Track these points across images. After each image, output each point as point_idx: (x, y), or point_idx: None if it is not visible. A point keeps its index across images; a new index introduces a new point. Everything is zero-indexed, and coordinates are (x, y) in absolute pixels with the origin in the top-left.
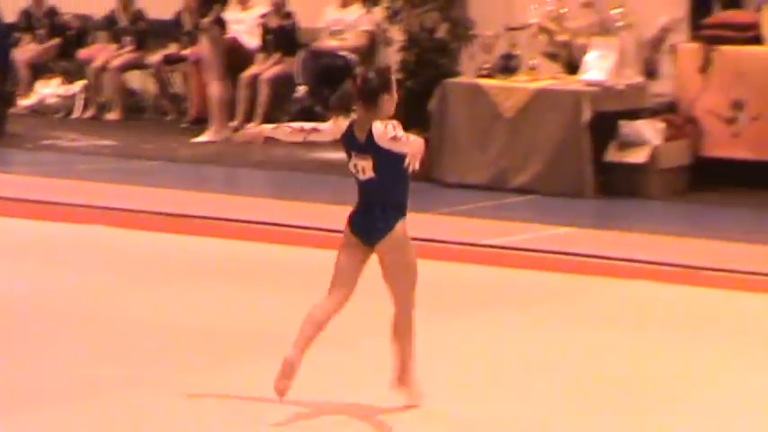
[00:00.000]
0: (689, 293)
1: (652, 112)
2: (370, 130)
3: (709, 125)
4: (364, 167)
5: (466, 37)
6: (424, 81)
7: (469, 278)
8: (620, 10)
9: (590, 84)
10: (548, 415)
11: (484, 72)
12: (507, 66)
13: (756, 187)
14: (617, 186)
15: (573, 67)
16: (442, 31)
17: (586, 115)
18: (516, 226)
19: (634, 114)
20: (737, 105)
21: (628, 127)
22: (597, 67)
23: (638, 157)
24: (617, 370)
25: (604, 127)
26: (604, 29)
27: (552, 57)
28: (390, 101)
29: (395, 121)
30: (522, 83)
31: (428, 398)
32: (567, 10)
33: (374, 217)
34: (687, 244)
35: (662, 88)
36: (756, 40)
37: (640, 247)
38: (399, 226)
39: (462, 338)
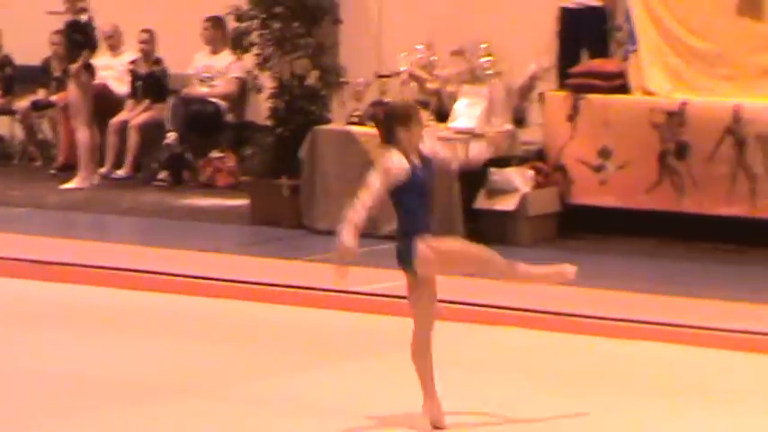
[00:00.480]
0: (559, 341)
1: (521, 160)
2: None
3: (577, 173)
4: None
5: (336, 84)
6: (294, 128)
7: (340, 325)
8: (489, 58)
9: (459, 131)
10: None
11: (354, 119)
12: (377, 113)
13: (623, 234)
14: (486, 233)
15: (443, 115)
16: (312, 78)
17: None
18: (386, 273)
19: (503, 162)
20: (605, 153)
21: (497, 174)
22: (467, 114)
23: (507, 204)
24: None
25: (474, 174)
26: (474, 77)
27: (422, 104)
28: (406, 133)
29: (390, 161)
30: None
31: None
32: (436, 58)
33: (402, 240)
34: (556, 291)
35: (531, 136)
36: (623, 89)
37: (509, 295)
38: (422, 248)
39: (326, 389)
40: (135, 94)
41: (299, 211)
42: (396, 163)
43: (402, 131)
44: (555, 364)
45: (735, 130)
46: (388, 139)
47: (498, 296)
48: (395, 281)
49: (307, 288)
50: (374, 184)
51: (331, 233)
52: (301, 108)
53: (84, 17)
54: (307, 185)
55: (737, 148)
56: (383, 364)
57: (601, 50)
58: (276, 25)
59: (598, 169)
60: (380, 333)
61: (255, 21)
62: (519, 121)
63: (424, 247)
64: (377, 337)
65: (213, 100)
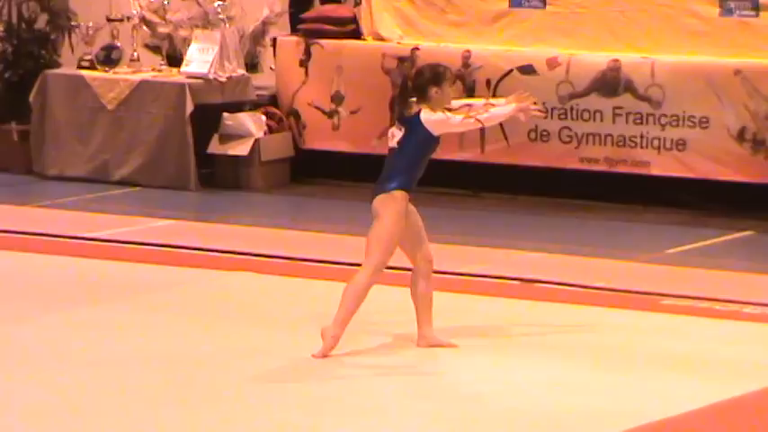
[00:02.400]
0: (287, 284)
1: (254, 105)
2: (419, 112)
3: (310, 118)
4: (394, 134)
5: (66, 28)
6: (23, 72)
7: (71, 272)
8: (221, 3)
9: (192, 76)
10: (141, 406)
11: (85, 63)
12: (109, 57)
13: (355, 179)
14: (220, 179)
15: (175, 60)
16: (41, 22)
17: (189, 107)
18: (119, 219)
19: (236, 107)
20: (337, 99)
21: (230, 119)
22: (199, 59)
23: (240, 149)
24: (213, 361)
25: (207, 119)
26: (206, 21)
27: (154, 49)
28: (440, 93)
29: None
30: (124, 74)
31: None
32: (168, 2)
33: (382, 179)
34: (287, 236)
35: (264, 81)
36: (355, 35)
37: (243, 239)
38: (398, 193)
39: (67, 333)
40: None
41: (29, 157)
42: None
43: (434, 90)
44: (286, 308)
45: (464, 75)
46: (421, 97)
47: (228, 241)
48: (128, 226)
49: (36, 234)
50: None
51: (62, 179)
52: (30, 52)
53: None
54: (37, 131)
55: (467, 94)
56: (111, 311)
57: None
58: None
59: (331, 114)
60: (110, 279)
61: None
62: (252, 66)
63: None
64: (107, 283)
65: None
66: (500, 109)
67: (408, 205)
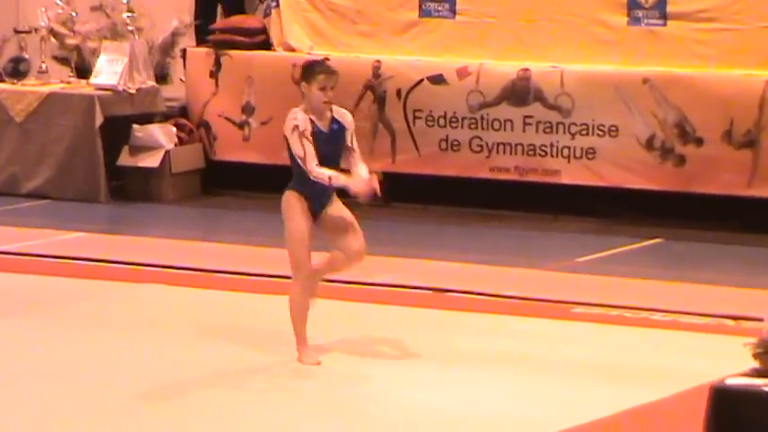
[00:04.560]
0: (198, 296)
1: (164, 117)
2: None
3: (220, 129)
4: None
5: None
6: None
7: None
8: (130, 14)
9: (101, 88)
10: (51, 421)
11: None
12: (17, 69)
13: (267, 191)
14: (130, 191)
15: (84, 71)
16: None
17: (98, 119)
18: (29, 231)
19: (147, 118)
20: (248, 110)
21: (140, 131)
22: (108, 71)
23: (150, 161)
24: (126, 373)
25: (117, 131)
26: (115, 33)
27: (63, 60)
28: (307, 89)
29: (300, 120)
30: (33, 86)
31: None
32: (77, 14)
33: None
34: (199, 247)
35: (174, 92)
36: (265, 45)
37: (153, 251)
38: (284, 195)
39: None
40: None
41: None
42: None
43: (303, 85)
44: (197, 320)
45: (375, 86)
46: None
47: (139, 253)
48: (38, 239)
49: None
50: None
51: None
52: None
53: None
54: None
55: (378, 104)
56: (20, 324)
57: (237, 6)
58: None
59: (241, 125)
60: (19, 292)
61: None
62: (162, 77)
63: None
64: (16, 296)
65: None
66: (328, 174)
67: (336, 203)
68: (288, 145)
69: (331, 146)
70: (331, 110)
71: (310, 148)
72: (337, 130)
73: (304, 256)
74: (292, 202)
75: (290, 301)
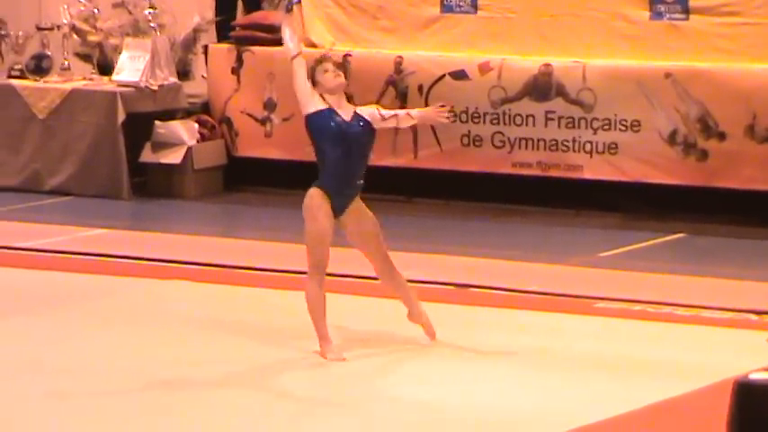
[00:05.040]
0: (221, 292)
1: (186, 113)
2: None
3: (242, 125)
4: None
5: None
6: None
7: (4, 282)
8: (152, 11)
9: (123, 84)
10: (79, 416)
11: (15, 72)
12: (39, 66)
13: (288, 186)
14: (152, 187)
15: (106, 68)
16: None
17: (121, 116)
18: (52, 228)
19: (169, 115)
20: (270, 106)
21: (162, 128)
22: (130, 67)
23: (173, 157)
24: (156, 369)
25: (139, 128)
26: (137, 29)
27: (85, 57)
28: (316, 81)
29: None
30: (55, 83)
31: None
32: (99, 10)
33: None
34: (221, 243)
35: (196, 89)
36: None
37: (176, 248)
38: (309, 192)
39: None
40: None
41: None
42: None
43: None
44: (220, 315)
45: (396, 82)
46: None
47: (162, 249)
48: (61, 236)
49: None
50: None
51: None
52: None
53: None
54: None
55: (400, 99)
56: (45, 321)
57: (257, 3)
58: None
59: (263, 122)
60: (42, 289)
61: None
62: (183, 74)
63: None
64: (40, 292)
65: None
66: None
67: (360, 206)
68: (312, 141)
69: (358, 140)
70: (354, 107)
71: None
72: (363, 125)
73: (325, 257)
74: (317, 202)
75: (307, 299)
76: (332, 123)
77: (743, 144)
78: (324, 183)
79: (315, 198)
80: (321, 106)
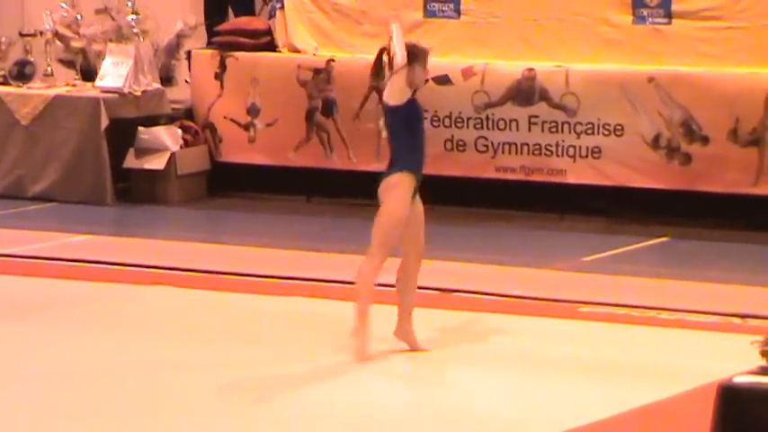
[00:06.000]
0: (204, 298)
1: (170, 119)
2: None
3: (226, 131)
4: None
5: None
6: None
7: None
8: (135, 17)
9: (107, 90)
10: (61, 423)
11: None
12: (22, 72)
13: (272, 192)
14: (136, 193)
15: (89, 74)
16: None
17: (104, 122)
18: (35, 234)
19: (152, 121)
20: (253, 111)
21: (146, 134)
22: (114, 73)
23: (156, 163)
24: (134, 375)
25: (122, 134)
26: (120, 35)
27: (68, 63)
28: (411, 72)
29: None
30: (38, 90)
31: None
32: (81, 16)
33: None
34: (205, 249)
35: (179, 95)
36: (270, 47)
37: (160, 254)
38: (394, 177)
39: None
40: None
41: None
42: None
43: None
44: (204, 321)
45: (380, 87)
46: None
47: (145, 255)
48: (45, 242)
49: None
50: None
51: None
52: None
53: None
54: None
55: (383, 105)
56: (29, 327)
57: (246, 8)
58: None
59: (247, 127)
60: (26, 295)
61: None
62: (167, 79)
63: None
64: (24, 299)
65: None
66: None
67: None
68: (388, 126)
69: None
70: None
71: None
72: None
73: (394, 239)
74: (407, 186)
75: (361, 277)
76: (418, 110)
77: (726, 148)
78: (409, 167)
79: (405, 181)
80: (409, 96)
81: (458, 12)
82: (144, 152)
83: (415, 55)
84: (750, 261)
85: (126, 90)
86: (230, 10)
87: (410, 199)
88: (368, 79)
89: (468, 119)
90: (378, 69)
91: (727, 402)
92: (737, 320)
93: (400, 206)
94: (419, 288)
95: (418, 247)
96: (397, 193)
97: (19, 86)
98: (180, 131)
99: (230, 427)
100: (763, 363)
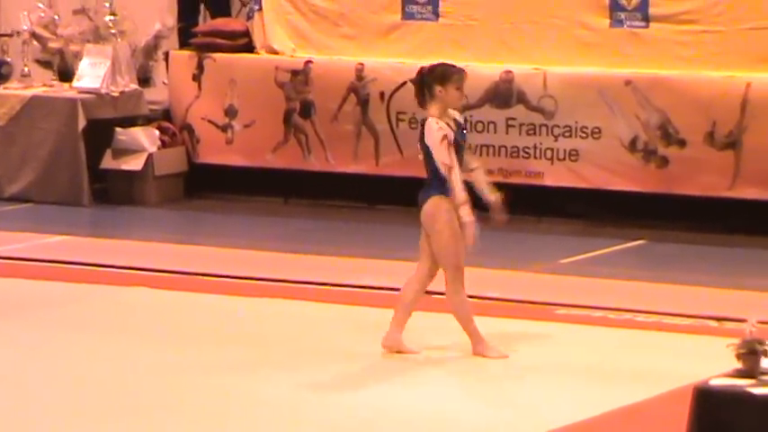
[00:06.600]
0: (181, 299)
1: (147, 120)
2: (424, 122)
3: (203, 132)
4: (419, 150)
5: None
6: None
7: None
8: (113, 17)
9: (84, 91)
10: (38, 425)
11: None
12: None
13: (249, 193)
14: (113, 194)
15: (67, 75)
16: None
17: (81, 123)
18: (12, 235)
19: (129, 122)
20: (231, 112)
21: (123, 134)
22: (91, 74)
23: (133, 164)
24: (110, 376)
25: (99, 134)
26: (98, 36)
27: (45, 64)
28: (443, 93)
29: (445, 128)
30: (15, 90)
31: None
32: (59, 17)
33: (421, 191)
34: (182, 250)
35: (157, 96)
36: (248, 48)
37: (137, 255)
38: (432, 201)
39: None
40: None
41: None
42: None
43: (438, 89)
44: (181, 323)
45: (358, 89)
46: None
47: (122, 256)
48: (21, 243)
49: None
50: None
51: None
52: None
53: None
54: None
55: (361, 107)
56: (5, 328)
57: (222, 9)
58: None
59: (224, 128)
60: (3, 296)
61: None
62: (144, 80)
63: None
64: (2, 299)
65: None
66: (460, 191)
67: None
68: (425, 152)
69: (460, 146)
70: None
71: (455, 159)
72: (461, 130)
73: (458, 264)
74: (447, 208)
75: (456, 306)
76: (457, 140)
77: (703, 151)
78: (446, 192)
79: (444, 205)
80: (445, 125)
81: (436, 14)
82: (121, 153)
83: (447, 76)
84: (726, 264)
85: (103, 91)
86: (203, 12)
87: (452, 218)
88: (346, 81)
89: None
90: (419, 95)
91: (702, 405)
92: (713, 323)
93: (446, 228)
94: (395, 290)
95: (432, 268)
96: (440, 218)
97: None
98: (157, 132)
99: (203, 427)
100: (738, 365)
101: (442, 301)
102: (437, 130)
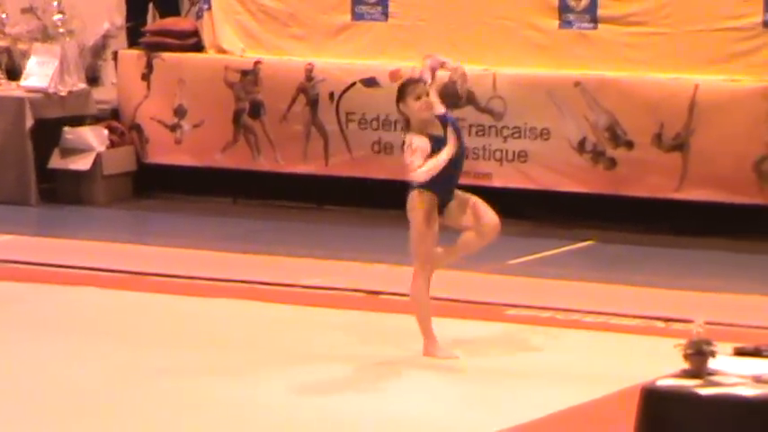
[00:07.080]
0: (130, 299)
1: (96, 119)
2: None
3: (152, 132)
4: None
5: None
6: None
7: None
8: (61, 16)
9: (32, 90)
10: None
11: None
12: None
13: (198, 193)
14: (61, 193)
15: (14, 74)
16: None
17: (29, 122)
18: None
19: (78, 121)
20: (180, 112)
21: (71, 134)
22: (39, 73)
23: (81, 164)
24: (65, 375)
25: (47, 134)
26: (46, 35)
27: None
28: (405, 108)
29: (423, 143)
30: None
31: None
32: (6, 16)
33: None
34: (130, 250)
35: (105, 95)
36: (197, 48)
37: (85, 254)
38: (412, 194)
39: None
40: None
41: None
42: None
43: (400, 106)
44: (130, 323)
45: (307, 89)
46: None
47: (70, 256)
48: None
49: None
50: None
51: None
52: None
53: None
54: None
55: (310, 107)
56: None
57: (171, 9)
58: None
59: (173, 128)
60: None
61: None
62: (93, 79)
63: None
64: None
65: None
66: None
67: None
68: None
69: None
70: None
71: (431, 162)
72: (450, 119)
73: (427, 257)
74: (425, 203)
75: (417, 303)
76: (441, 142)
77: (650, 153)
78: (432, 187)
79: (424, 199)
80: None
81: (385, 14)
82: (69, 152)
83: (402, 91)
84: (673, 265)
85: (51, 90)
86: (152, 11)
87: (431, 213)
88: (296, 81)
89: (396, 122)
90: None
91: (650, 405)
92: (661, 324)
93: (421, 221)
94: (344, 290)
95: (480, 229)
96: (414, 207)
97: None
98: (106, 132)
99: (149, 427)
100: (685, 366)
101: (369, 299)
102: (408, 146)
